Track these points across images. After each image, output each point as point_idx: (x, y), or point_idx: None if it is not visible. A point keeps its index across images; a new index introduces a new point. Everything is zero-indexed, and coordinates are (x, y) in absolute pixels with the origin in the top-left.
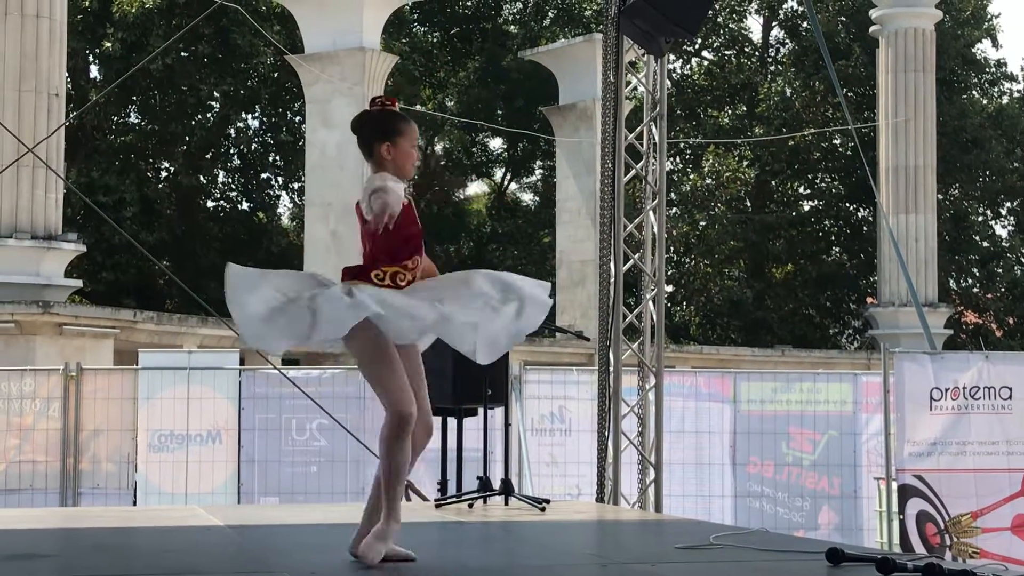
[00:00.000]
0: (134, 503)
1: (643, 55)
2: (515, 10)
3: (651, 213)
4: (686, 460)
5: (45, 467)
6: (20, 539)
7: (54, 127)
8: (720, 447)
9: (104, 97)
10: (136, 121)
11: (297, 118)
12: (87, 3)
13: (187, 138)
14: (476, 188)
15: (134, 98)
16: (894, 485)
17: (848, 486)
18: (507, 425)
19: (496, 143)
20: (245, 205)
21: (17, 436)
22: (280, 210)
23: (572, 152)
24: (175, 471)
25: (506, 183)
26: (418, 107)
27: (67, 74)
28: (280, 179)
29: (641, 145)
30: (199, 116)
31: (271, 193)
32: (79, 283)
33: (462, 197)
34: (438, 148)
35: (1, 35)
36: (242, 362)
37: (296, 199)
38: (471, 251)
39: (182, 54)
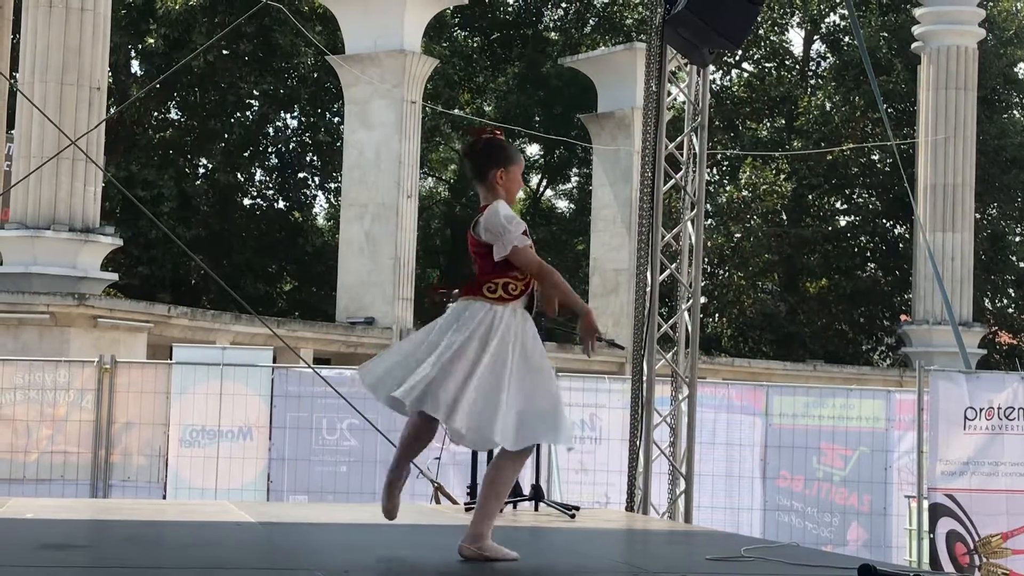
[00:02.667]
0: (164, 497)
1: (685, 65)
2: (556, 17)
3: (689, 223)
4: (716, 472)
5: (77, 458)
6: (53, 529)
7: (95, 121)
8: (751, 460)
9: (145, 92)
10: (176, 117)
11: (336, 119)
12: None
13: (226, 135)
14: None
15: (175, 94)
16: (925, 504)
17: (878, 503)
18: None
19: (533, 149)
20: (281, 204)
21: (50, 427)
22: (316, 210)
23: (609, 160)
24: (205, 466)
25: (542, 189)
26: (456, 111)
27: (109, 68)
28: (317, 179)
29: (681, 155)
30: (238, 114)
31: (307, 192)
32: (115, 276)
33: None
34: None
35: (45, 27)
36: (275, 360)
37: (332, 199)
38: None
39: (223, 52)
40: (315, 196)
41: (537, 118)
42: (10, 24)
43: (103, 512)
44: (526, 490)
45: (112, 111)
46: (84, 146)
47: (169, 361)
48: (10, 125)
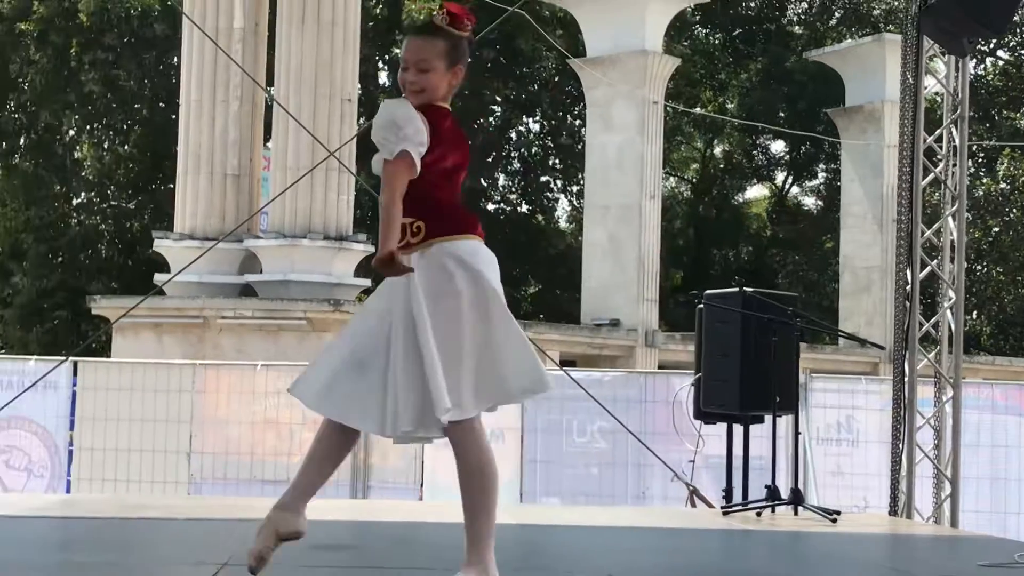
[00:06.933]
0: (420, 499)
1: (942, 54)
2: (800, 10)
3: (950, 219)
4: (980, 475)
5: None
6: (320, 529)
7: (347, 131)
8: (1017, 462)
9: None
10: None
11: (577, 121)
12: (378, 10)
13: (470, 141)
14: (756, 192)
15: None
16: None
17: None
18: (797, 434)
19: (778, 146)
20: (524, 207)
21: (312, 430)
22: (558, 213)
23: (858, 155)
24: None
25: (788, 186)
26: (698, 109)
27: (358, 80)
28: (559, 182)
29: (939, 148)
30: (481, 120)
31: (550, 196)
32: (367, 282)
33: (741, 201)
34: (718, 151)
35: (299, 42)
36: None
37: (575, 202)
38: (750, 256)
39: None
40: (557, 199)
41: (782, 114)
42: (266, 41)
43: (365, 513)
44: (784, 494)
45: (363, 122)
46: (339, 156)
47: None
48: (266, 138)
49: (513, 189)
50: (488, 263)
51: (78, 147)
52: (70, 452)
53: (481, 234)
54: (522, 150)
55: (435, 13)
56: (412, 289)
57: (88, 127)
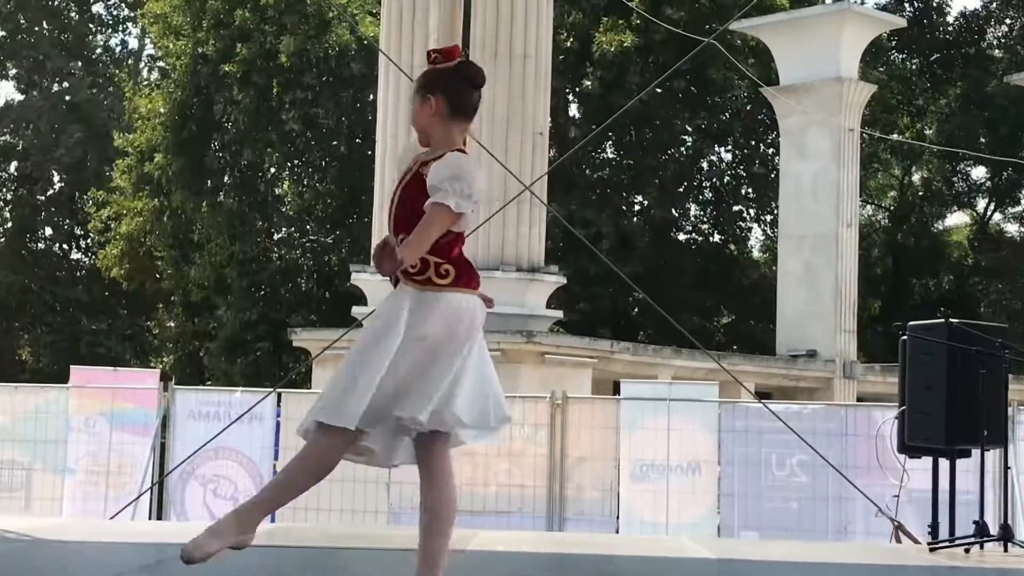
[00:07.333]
0: (616, 531)
1: None
2: (1000, 34)
3: None
4: None
5: (533, 492)
6: (516, 561)
7: (538, 164)
8: None
9: (589, 140)
10: (611, 156)
11: (771, 150)
12: (568, 43)
13: (660, 172)
14: (956, 219)
15: (610, 134)
16: None
17: None
18: (1006, 468)
19: (979, 172)
20: (717, 237)
21: (507, 460)
22: (751, 242)
23: None
24: (655, 501)
25: (989, 214)
26: (895, 136)
27: (549, 113)
28: (752, 211)
29: None
30: (672, 150)
31: (743, 225)
32: (559, 314)
33: (941, 228)
34: (916, 178)
35: (491, 76)
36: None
37: (768, 231)
38: (951, 285)
39: (657, 90)
40: (750, 229)
41: (982, 139)
42: None
43: (561, 545)
44: (993, 530)
45: (554, 155)
46: (532, 190)
47: (617, 396)
48: None
49: (705, 219)
50: (466, 319)
51: (279, 184)
52: None
53: (476, 287)
54: (714, 179)
55: None
56: (400, 314)
57: (288, 164)
